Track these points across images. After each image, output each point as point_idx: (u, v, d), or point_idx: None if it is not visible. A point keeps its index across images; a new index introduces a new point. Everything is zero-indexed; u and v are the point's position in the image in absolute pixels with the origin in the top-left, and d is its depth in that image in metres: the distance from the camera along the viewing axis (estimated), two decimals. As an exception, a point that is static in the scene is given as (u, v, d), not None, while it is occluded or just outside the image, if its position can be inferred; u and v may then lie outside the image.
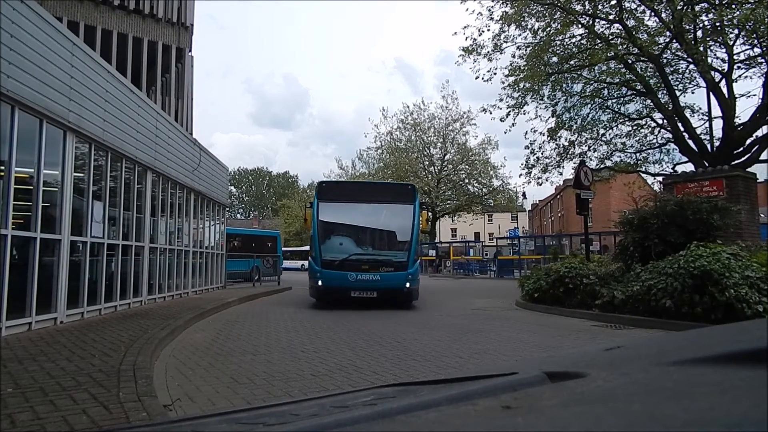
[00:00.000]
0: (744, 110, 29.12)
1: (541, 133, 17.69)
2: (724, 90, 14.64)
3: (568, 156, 17.54)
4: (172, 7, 22.61)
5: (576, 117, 17.50)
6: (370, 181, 29.21)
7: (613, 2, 14.96)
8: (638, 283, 8.34)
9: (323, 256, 10.74)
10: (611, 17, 15.20)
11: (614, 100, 17.50)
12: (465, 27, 16.70)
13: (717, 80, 14.60)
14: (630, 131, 17.54)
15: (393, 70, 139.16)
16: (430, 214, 28.09)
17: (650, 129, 17.19)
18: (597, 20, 15.40)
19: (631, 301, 8.26)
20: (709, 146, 14.89)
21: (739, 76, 14.93)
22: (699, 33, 14.19)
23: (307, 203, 12.34)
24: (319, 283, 10.63)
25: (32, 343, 5.68)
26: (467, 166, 35.55)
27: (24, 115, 6.45)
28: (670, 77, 15.48)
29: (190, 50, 23.63)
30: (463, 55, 16.92)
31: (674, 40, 14.33)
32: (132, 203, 9.99)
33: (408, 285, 10.65)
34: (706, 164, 13.73)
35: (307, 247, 49.46)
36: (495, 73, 17.01)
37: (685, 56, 14.77)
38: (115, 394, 3.63)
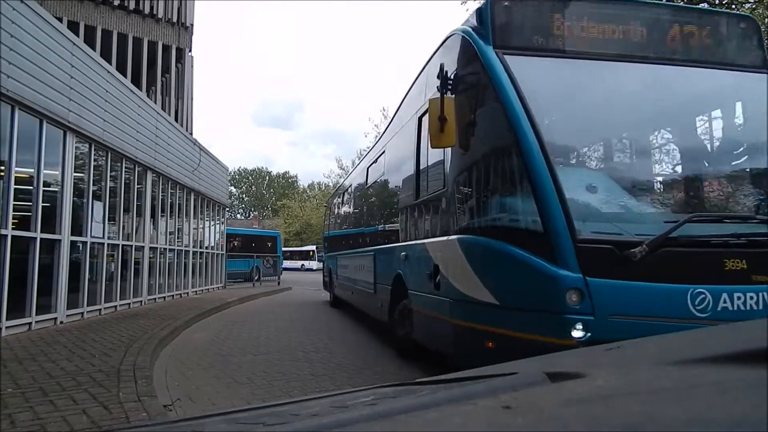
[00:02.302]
0: (744, 110, 29.04)
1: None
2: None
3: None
4: (172, 7, 22.60)
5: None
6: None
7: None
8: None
9: (582, 230, 3.02)
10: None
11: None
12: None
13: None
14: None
15: (393, 70, 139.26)
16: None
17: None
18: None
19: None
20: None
21: (739, 76, 14.93)
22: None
23: (432, 75, 4.27)
24: (578, 332, 2.90)
25: (32, 343, 5.68)
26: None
27: (24, 115, 6.45)
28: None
29: (190, 50, 23.64)
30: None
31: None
32: (132, 203, 9.98)
33: None
34: (706, 164, 13.72)
35: (308, 247, 49.54)
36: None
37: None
38: (115, 394, 3.63)
